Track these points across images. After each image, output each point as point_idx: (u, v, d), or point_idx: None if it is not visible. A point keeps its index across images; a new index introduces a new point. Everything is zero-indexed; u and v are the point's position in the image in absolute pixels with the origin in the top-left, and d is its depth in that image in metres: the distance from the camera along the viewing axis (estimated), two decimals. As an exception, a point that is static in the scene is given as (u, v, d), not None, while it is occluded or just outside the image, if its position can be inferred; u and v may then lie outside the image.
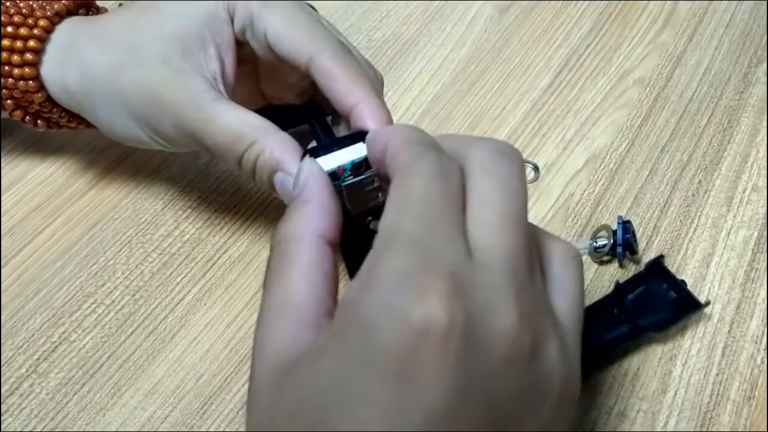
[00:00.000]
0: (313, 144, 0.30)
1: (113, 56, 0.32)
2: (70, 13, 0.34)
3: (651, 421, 0.31)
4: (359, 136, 0.27)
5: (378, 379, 0.19)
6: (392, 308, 0.19)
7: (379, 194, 0.27)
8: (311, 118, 0.32)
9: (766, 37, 0.47)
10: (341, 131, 0.31)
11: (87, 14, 0.36)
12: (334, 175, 0.26)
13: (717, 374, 0.33)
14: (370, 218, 0.27)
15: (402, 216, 0.21)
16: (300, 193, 0.25)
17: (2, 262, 0.37)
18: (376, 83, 0.31)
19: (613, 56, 0.47)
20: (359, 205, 0.27)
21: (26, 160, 0.41)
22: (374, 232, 0.26)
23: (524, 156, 0.41)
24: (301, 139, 0.29)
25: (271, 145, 0.29)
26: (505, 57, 0.47)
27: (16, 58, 0.33)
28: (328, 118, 0.32)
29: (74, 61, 0.33)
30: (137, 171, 0.40)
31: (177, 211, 0.39)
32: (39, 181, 0.40)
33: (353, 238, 0.26)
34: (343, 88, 0.29)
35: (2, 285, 0.36)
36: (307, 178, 0.25)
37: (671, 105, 0.44)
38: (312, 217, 0.24)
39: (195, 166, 0.41)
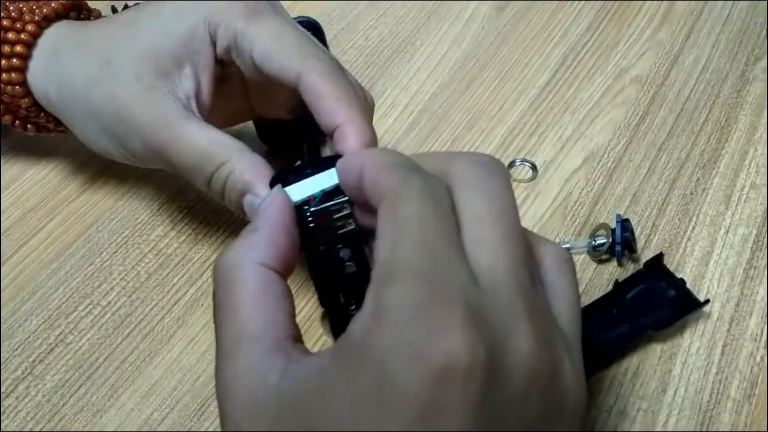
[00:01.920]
0: (287, 167, 0.28)
1: (90, 69, 0.31)
2: (59, 16, 0.34)
3: (651, 420, 0.31)
4: (336, 160, 0.26)
5: (398, 423, 0.18)
6: (408, 346, 0.18)
7: (349, 221, 0.26)
8: (302, 135, 0.31)
9: (763, 35, 0.47)
10: (327, 152, 0.30)
11: (79, 17, 0.36)
12: (304, 204, 0.26)
13: (717, 372, 0.32)
14: (340, 246, 0.26)
15: (400, 245, 0.20)
16: (252, 222, 0.25)
17: (-3, 264, 0.36)
18: (365, 105, 0.29)
19: (611, 54, 0.47)
20: (329, 233, 0.26)
21: (21, 161, 0.41)
22: (343, 260, 0.25)
23: (522, 155, 0.41)
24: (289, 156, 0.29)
25: (241, 167, 0.28)
26: (503, 55, 0.47)
27: (3, 62, 0.32)
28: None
29: (55, 71, 0.33)
30: (133, 172, 0.40)
31: (173, 212, 0.38)
32: (34, 182, 0.40)
33: (323, 268, 0.26)
34: (328, 107, 0.28)
35: (-3, 287, 0.36)
36: (265, 206, 0.25)
37: (669, 103, 0.44)
38: (256, 246, 0.23)
39: (191, 166, 0.40)
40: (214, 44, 0.31)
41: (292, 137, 0.33)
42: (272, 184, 0.27)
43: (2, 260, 0.37)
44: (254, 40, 0.30)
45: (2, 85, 0.33)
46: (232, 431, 0.21)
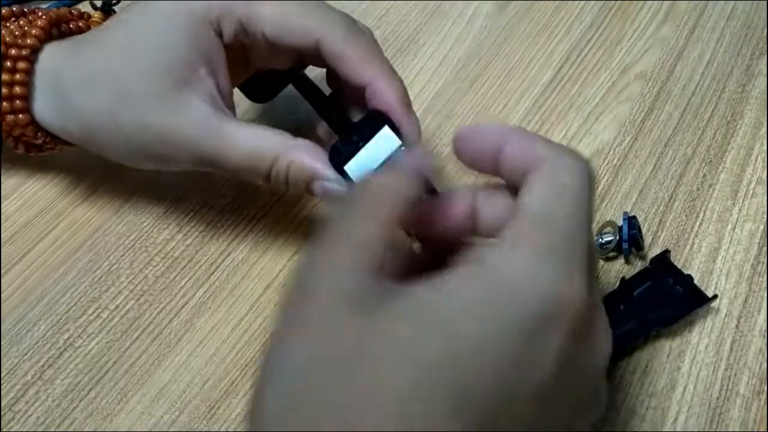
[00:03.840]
0: (335, 141, 0.29)
1: (106, 101, 0.31)
2: (44, 40, 0.33)
3: (661, 418, 0.31)
4: (375, 120, 0.28)
5: (511, 337, 0.19)
6: (542, 278, 0.20)
7: None
8: (297, 83, 0.33)
9: (767, 29, 0.47)
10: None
11: (60, 32, 0.34)
12: None
13: (726, 369, 0.32)
14: None
15: (557, 206, 0.22)
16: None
17: (5, 269, 0.36)
18: (384, 56, 0.31)
19: (615, 50, 0.46)
20: None
21: (27, 165, 0.41)
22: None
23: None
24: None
25: (299, 158, 0.29)
26: (506, 53, 0.47)
27: (5, 105, 0.32)
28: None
29: (67, 109, 0.32)
30: (138, 175, 0.40)
31: (179, 214, 0.38)
32: (40, 186, 0.40)
33: None
34: (353, 68, 0.29)
35: (6, 291, 0.36)
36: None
37: (674, 99, 0.44)
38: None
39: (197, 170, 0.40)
40: (220, 36, 0.31)
41: (279, 87, 0.36)
42: (332, 163, 0.28)
43: (10, 266, 0.37)
44: (262, 20, 0.30)
45: (8, 123, 0.32)
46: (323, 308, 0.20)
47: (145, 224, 0.38)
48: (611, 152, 0.41)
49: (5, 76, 0.32)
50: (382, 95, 0.29)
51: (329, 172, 0.28)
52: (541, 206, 0.22)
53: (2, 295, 0.35)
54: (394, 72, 0.30)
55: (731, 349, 0.33)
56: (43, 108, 0.33)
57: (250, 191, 0.39)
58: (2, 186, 0.40)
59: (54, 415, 0.32)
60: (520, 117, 0.43)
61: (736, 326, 0.34)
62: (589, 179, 0.23)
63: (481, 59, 0.46)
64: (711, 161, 0.40)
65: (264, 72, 0.35)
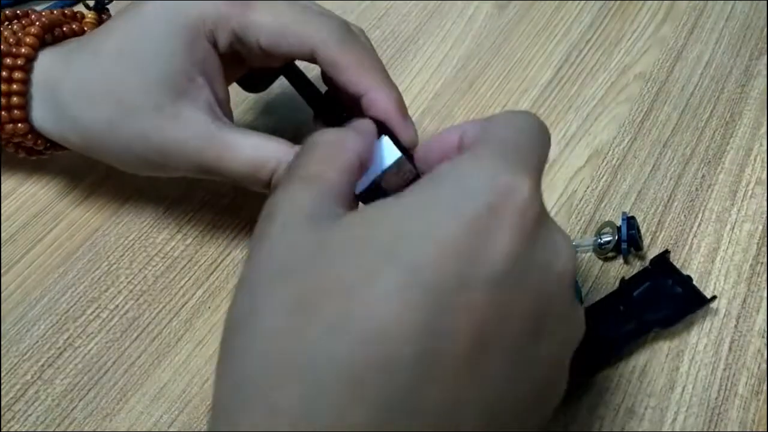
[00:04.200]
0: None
1: (105, 113, 0.31)
2: (38, 48, 0.33)
3: (659, 418, 0.31)
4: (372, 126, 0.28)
5: (460, 227, 0.20)
6: (490, 172, 0.21)
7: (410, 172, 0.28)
8: (291, 78, 0.34)
9: (766, 30, 0.47)
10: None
11: (60, 32, 0.34)
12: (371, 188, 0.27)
13: (724, 369, 0.32)
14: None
15: (511, 128, 0.23)
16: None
17: (5, 269, 0.36)
18: (380, 64, 0.31)
19: (614, 51, 0.46)
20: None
21: (26, 166, 0.41)
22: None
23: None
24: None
25: None
26: (505, 53, 0.47)
27: (4, 114, 0.32)
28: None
29: (66, 120, 0.32)
30: (138, 176, 0.40)
31: (178, 214, 0.39)
32: (39, 187, 0.40)
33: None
34: (350, 77, 0.29)
35: (6, 291, 0.36)
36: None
37: (673, 99, 0.44)
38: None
39: (196, 169, 0.40)
40: (215, 45, 0.31)
41: (273, 78, 0.36)
42: None
43: (9, 266, 0.37)
44: (257, 29, 0.30)
45: (3, 124, 0.32)
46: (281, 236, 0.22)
47: (144, 224, 0.38)
48: (610, 152, 0.41)
49: (3, 86, 0.32)
50: (379, 104, 0.29)
51: None
52: (497, 128, 0.23)
53: (2, 295, 0.35)
54: (389, 80, 0.31)
55: (730, 349, 0.33)
56: (42, 117, 0.33)
57: (250, 192, 0.39)
58: (2, 186, 0.40)
59: (54, 415, 0.32)
60: (519, 117, 0.43)
61: (735, 326, 0.34)
62: (540, 122, 0.24)
63: (481, 59, 0.46)
64: (710, 161, 0.40)
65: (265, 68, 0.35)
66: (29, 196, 0.39)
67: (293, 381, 0.19)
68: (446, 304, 0.19)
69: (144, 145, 0.30)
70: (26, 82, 0.32)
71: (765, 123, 0.42)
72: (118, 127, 0.30)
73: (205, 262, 0.37)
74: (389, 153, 0.28)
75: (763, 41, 0.46)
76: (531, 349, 0.21)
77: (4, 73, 0.32)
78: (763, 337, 0.33)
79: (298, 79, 0.34)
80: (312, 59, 0.30)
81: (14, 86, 0.32)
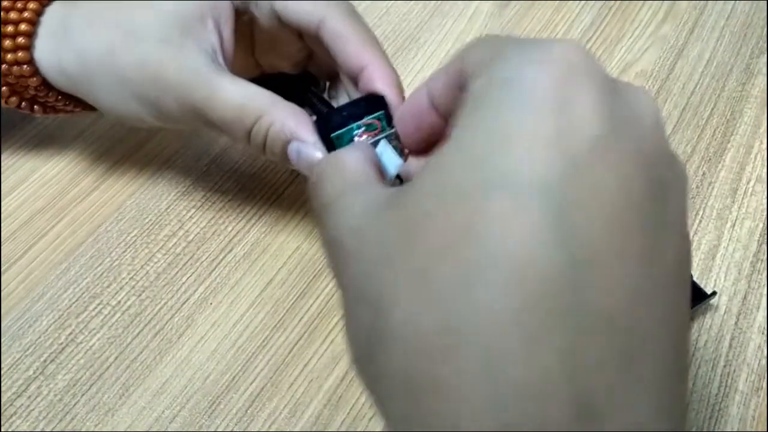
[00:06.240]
0: (326, 111, 0.30)
1: (109, 38, 0.31)
2: None
3: (659, 414, 0.31)
4: (373, 102, 0.28)
5: (535, 116, 0.17)
6: (531, 53, 0.18)
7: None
8: (308, 87, 0.33)
9: (766, 28, 0.47)
10: (339, 96, 0.33)
11: None
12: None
13: (724, 366, 0.33)
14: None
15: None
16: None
17: (7, 265, 0.37)
18: (382, 47, 0.32)
19: (615, 49, 0.47)
20: None
21: (29, 162, 0.41)
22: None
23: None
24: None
25: (281, 117, 0.29)
26: (507, 52, 0.47)
27: (8, 42, 0.32)
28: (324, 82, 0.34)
29: (69, 44, 0.32)
30: (140, 172, 0.40)
31: (181, 211, 0.39)
32: (42, 183, 0.40)
33: None
34: (354, 49, 0.30)
35: (8, 288, 0.36)
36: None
37: (674, 97, 0.44)
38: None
39: (198, 167, 0.41)
40: None
41: (291, 91, 0.35)
42: (318, 130, 0.28)
43: (12, 262, 0.37)
44: None
45: (8, 66, 0.33)
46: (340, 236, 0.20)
47: (146, 221, 0.38)
48: (611, 150, 0.41)
49: (13, 15, 0.32)
50: (380, 79, 0.30)
51: (309, 135, 0.28)
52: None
53: (4, 291, 0.36)
54: (389, 60, 0.31)
55: (730, 345, 0.33)
56: (43, 47, 0.33)
57: (252, 189, 0.39)
58: (4, 183, 0.40)
59: (56, 410, 0.32)
60: (520, 115, 0.43)
61: (735, 323, 0.34)
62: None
63: (482, 58, 0.46)
64: (710, 159, 0.40)
65: (281, 74, 0.36)
66: (32, 192, 0.40)
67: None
68: (573, 197, 0.17)
69: (139, 73, 0.30)
70: (39, 13, 0.33)
71: (765, 121, 0.42)
72: (119, 53, 0.31)
73: (206, 258, 0.37)
74: (389, 160, 0.27)
75: (764, 40, 0.46)
76: (659, 214, 0.18)
77: (18, 4, 0.32)
78: (763, 333, 0.33)
79: (316, 89, 0.34)
80: (315, 34, 0.31)
81: (26, 14, 0.32)
